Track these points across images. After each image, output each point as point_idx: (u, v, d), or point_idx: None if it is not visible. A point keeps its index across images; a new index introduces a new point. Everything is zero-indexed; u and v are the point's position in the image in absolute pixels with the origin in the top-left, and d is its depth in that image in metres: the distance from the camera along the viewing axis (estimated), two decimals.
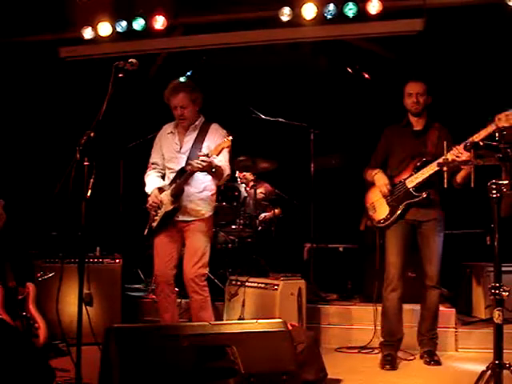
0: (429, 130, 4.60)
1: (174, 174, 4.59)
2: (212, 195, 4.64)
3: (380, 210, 4.65)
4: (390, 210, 4.58)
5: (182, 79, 5.00)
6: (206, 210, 4.57)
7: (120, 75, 3.48)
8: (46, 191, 3.90)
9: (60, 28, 6.05)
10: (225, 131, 4.61)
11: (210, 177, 4.55)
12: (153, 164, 4.76)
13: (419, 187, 4.46)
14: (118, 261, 5.38)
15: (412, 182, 4.48)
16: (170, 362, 3.04)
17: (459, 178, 4.34)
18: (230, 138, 4.23)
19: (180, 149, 4.62)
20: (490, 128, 3.82)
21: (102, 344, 3.11)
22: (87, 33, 6.01)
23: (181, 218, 4.54)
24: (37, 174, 6.23)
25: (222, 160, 4.50)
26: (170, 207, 4.50)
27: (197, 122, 4.64)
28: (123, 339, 3.05)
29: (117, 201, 6.55)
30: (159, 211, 4.58)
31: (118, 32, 5.97)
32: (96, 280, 5.21)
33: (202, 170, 4.35)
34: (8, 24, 5.93)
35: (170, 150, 4.66)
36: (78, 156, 3.30)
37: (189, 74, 7.24)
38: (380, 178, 4.61)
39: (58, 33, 6.11)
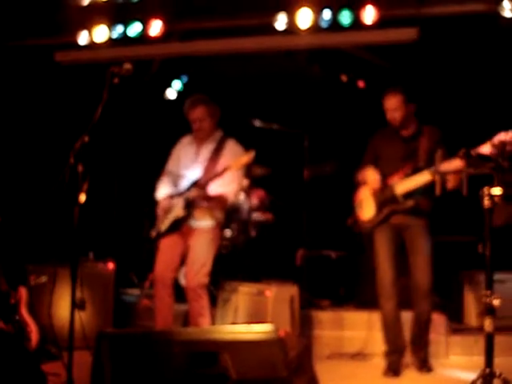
0: (419, 135, 4.49)
1: (187, 182, 4.68)
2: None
3: (366, 209, 4.58)
4: (375, 212, 4.51)
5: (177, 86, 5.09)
6: (212, 219, 4.62)
7: (115, 80, 3.49)
8: (40, 195, 3.91)
9: (56, 32, 6.05)
10: (241, 147, 4.70)
11: (221, 188, 4.60)
12: (167, 172, 4.88)
13: (407, 195, 4.37)
14: (111, 265, 5.38)
15: (401, 188, 4.38)
16: (161, 367, 3.04)
17: (447, 188, 4.28)
18: (253, 153, 4.28)
19: (196, 159, 4.75)
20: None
21: (94, 349, 3.12)
22: (83, 38, 6.01)
23: (188, 222, 4.62)
24: (31, 177, 6.23)
25: (229, 186, 4.59)
26: (182, 214, 4.59)
27: (215, 135, 4.78)
28: (115, 344, 3.05)
29: (111, 205, 6.55)
30: (169, 216, 4.65)
31: (113, 37, 5.98)
32: (89, 284, 5.20)
33: (198, 200, 4.47)
34: (4, 28, 5.93)
35: (187, 159, 4.79)
36: (72, 160, 3.31)
37: (184, 79, 7.28)
38: (371, 174, 4.53)
39: (54, 37, 6.11)
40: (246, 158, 4.32)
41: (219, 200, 4.57)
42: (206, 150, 4.74)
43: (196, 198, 4.46)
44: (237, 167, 4.34)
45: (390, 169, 4.49)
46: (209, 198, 4.50)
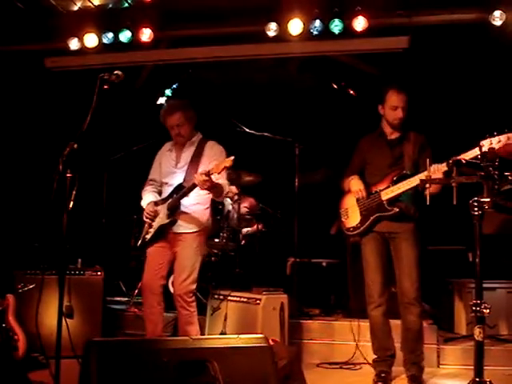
0: (404, 141, 4.47)
1: (169, 189, 4.67)
2: (205, 209, 4.70)
3: (352, 217, 4.55)
4: (361, 219, 4.48)
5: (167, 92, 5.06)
6: (197, 224, 4.60)
7: (105, 87, 3.48)
8: (28, 202, 3.88)
9: (47, 38, 6.04)
10: (221, 147, 4.69)
11: (204, 191, 4.55)
12: (151, 180, 4.87)
13: (393, 201, 4.34)
14: (99, 273, 5.34)
15: (387, 194, 4.35)
16: (150, 376, 3.01)
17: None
18: (232, 157, 4.24)
19: (177, 164, 4.73)
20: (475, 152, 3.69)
21: (82, 357, 3.08)
22: (73, 44, 6.00)
23: (172, 228, 4.58)
24: (19, 184, 6.18)
25: (222, 177, 4.53)
26: (166, 220, 4.58)
27: (194, 139, 4.76)
28: (103, 353, 3.02)
29: (99, 213, 6.51)
30: (153, 224, 4.64)
31: (104, 43, 5.97)
32: (77, 292, 5.16)
33: (203, 188, 4.38)
34: None
35: (168, 165, 4.77)
36: (60, 167, 3.28)
37: (174, 86, 7.27)
38: (355, 184, 4.49)
39: (44, 43, 6.10)
40: (227, 162, 4.25)
41: (218, 188, 4.52)
42: (187, 154, 4.71)
43: (204, 182, 4.31)
44: (217, 171, 4.28)
45: (377, 176, 4.48)
46: (214, 184, 4.39)
